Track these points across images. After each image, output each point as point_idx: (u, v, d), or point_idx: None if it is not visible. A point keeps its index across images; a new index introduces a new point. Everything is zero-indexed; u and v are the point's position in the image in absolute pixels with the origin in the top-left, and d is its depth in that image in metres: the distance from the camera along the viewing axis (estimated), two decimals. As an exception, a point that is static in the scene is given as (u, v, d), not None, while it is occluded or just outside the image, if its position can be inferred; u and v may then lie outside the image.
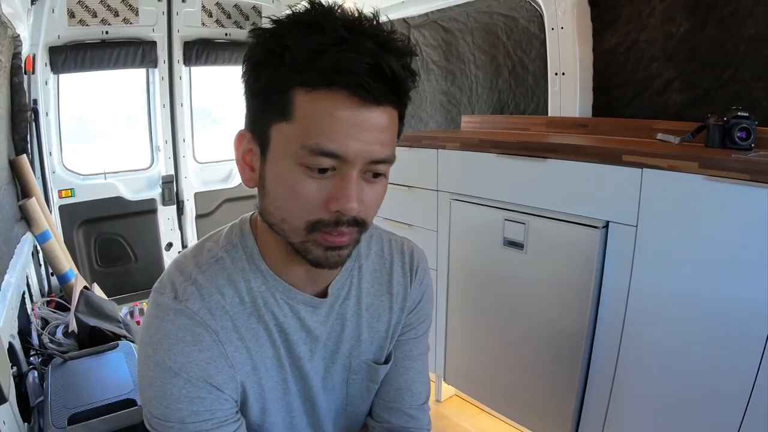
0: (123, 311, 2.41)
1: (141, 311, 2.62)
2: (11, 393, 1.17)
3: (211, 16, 3.06)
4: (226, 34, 3.15)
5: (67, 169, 2.78)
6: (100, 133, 3.19)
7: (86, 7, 2.60)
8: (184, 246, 3.26)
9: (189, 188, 3.23)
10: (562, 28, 1.92)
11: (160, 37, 2.90)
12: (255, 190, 0.63)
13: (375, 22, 0.55)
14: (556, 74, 1.99)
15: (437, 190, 1.89)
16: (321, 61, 0.51)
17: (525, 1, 2.10)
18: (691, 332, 1.24)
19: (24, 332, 1.62)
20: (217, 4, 3.06)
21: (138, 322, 2.37)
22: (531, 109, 2.23)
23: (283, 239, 0.61)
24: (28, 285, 1.94)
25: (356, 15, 0.55)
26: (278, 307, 0.66)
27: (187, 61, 3.04)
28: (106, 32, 2.71)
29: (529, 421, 1.72)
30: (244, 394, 0.66)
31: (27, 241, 2.03)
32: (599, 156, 1.39)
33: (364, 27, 0.54)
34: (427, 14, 2.59)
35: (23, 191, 2.28)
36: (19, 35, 2.13)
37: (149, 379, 0.61)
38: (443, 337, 1.96)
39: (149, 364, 0.61)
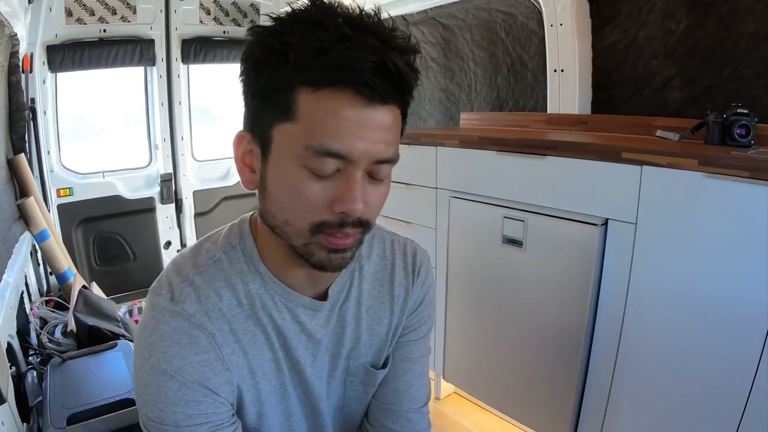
0: (122, 310, 2.41)
1: (140, 310, 2.61)
2: (10, 393, 1.16)
3: (209, 14, 3.05)
4: (224, 32, 3.14)
5: (65, 168, 2.78)
6: (99, 132, 3.18)
7: (84, 5, 2.59)
8: (183, 244, 3.26)
9: (187, 186, 3.22)
10: (561, 24, 1.91)
11: (158, 35, 2.89)
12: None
13: (377, 19, 0.54)
14: (555, 71, 1.99)
15: (436, 188, 1.88)
16: (326, 59, 0.50)
17: (524, -2, 2.10)
18: (690, 329, 1.24)
19: (23, 332, 1.62)
20: (215, 1, 3.04)
21: (137, 321, 2.37)
22: (530, 106, 2.23)
23: (285, 242, 0.59)
24: (26, 284, 1.94)
25: (358, 12, 0.53)
26: (276, 310, 0.65)
27: (185, 59, 3.02)
28: (104, 30, 2.70)
29: (529, 418, 1.72)
30: (240, 398, 0.66)
31: (25, 241, 2.03)
32: (598, 153, 1.38)
33: (366, 24, 0.53)
34: (425, 11, 2.58)
35: (21, 190, 2.27)
36: (16, 34, 2.12)
37: (145, 381, 0.60)
38: (442, 335, 1.96)
39: (145, 366, 0.60)
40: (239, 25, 3.17)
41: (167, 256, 3.18)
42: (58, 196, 2.73)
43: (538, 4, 2.00)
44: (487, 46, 2.37)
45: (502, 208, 1.64)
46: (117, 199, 2.94)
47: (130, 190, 3.01)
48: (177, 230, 3.23)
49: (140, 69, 2.97)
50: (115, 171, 2.98)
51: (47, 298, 2.23)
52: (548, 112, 2.07)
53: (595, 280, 1.42)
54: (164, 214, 3.15)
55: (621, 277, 1.37)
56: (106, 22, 2.69)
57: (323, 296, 0.68)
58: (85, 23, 2.62)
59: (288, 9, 0.55)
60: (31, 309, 1.91)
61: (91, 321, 1.79)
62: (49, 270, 2.40)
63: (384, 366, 0.76)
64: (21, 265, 1.77)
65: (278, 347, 0.66)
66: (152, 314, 0.61)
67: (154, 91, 3.01)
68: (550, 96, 2.05)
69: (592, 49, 1.91)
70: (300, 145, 0.53)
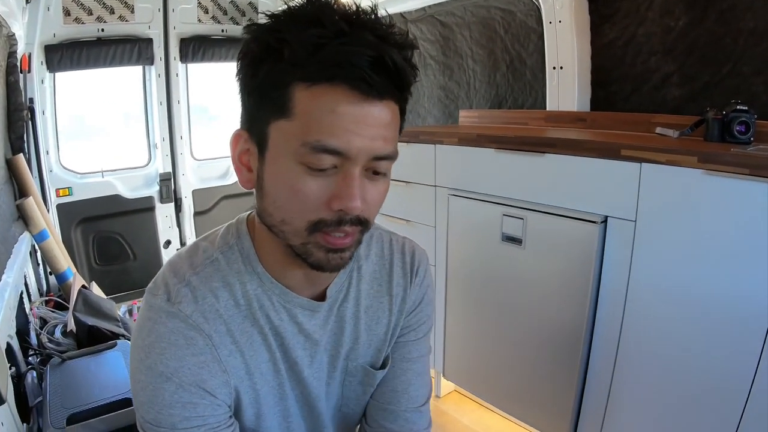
0: (121, 309, 2.41)
1: (139, 309, 2.61)
2: (10, 393, 1.16)
3: (207, 13, 3.04)
4: (222, 31, 3.13)
5: (64, 167, 2.77)
6: (97, 132, 3.17)
7: (81, 4, 2.59)
8: (182, 243, 3.25)
9: (187, 185, 3.21)
10: (560, 21, 1.91)
11: (156, 34, 2.88)
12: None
13: (374, 16, 0.54)
14: (554, 68, 1.98)
15: (435, 186, 1.88)
16: (321, 54, 0.50)
17: (523, -5, 2.09)
18: (689, 327, 1.24)
19: (22, 332, 1.62)
20: (213, 0, 3.03)
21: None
22: (529, 103, 2.22)
23: (283, 241, 0.59)
24: (26, 284, 1.93)
25: (354, 8, 0.53)
26: (274, 310, 0.64)
27: (184, 57, 3.02)
28: (102, 30, 2.69)
29: (529, 416, 1.72)
30: (237, 399, 0.65)
31: (25, 241, 2.03)
32: (598, 150, 1.38)
33: (363, 20, 0.52)
34: (424, 8, 2.57)
35: (20, 190, 2.27)
36: (14, 34, 2.12)
37: (141, 383, 0.60)
38: (442, 333, 1.96)
39: (141, 367, 0.60)
40: (237, 23, 3.16)
41: (167, 256, 3.17)
42: (58, 195, 2.73)
43: (537, 1, 1.99)
44: (485, 44, 2.36)
45: (502, 206, 1.63)
46: (116, 198, 2.94)
47: (129, 189, 3.00)
48: (176, 229, 3.23)
49: (139, 68, 2.96)
50: (114, 170, 2.97)
51: (47, 298, 2.23)
52: (547, 109, 2.07)
53: (595, 278, 1.42)
54: (163, 213, 3.15)
55: (621, 274, 1.37)
56: (104, 22, 2.68)
57: (321, 296, 0.68)
58: (83, 23, 2.61)
59: (284, 7, 0.54)
60: (31, 309, 1.91)
61: (91, 321, 1.79)
62: (48, 270, 2.40)
63: (383, 366, 0.75)
64: (20, 265, 1.76)
65: (276, 348, 0.66)
66: (149, 315, 0.61)
67: (153, 91, 3.01)
68: (549, 93, 2.05)
69: (591, 46, 1.91)
70: (296, 141, 0.52)
